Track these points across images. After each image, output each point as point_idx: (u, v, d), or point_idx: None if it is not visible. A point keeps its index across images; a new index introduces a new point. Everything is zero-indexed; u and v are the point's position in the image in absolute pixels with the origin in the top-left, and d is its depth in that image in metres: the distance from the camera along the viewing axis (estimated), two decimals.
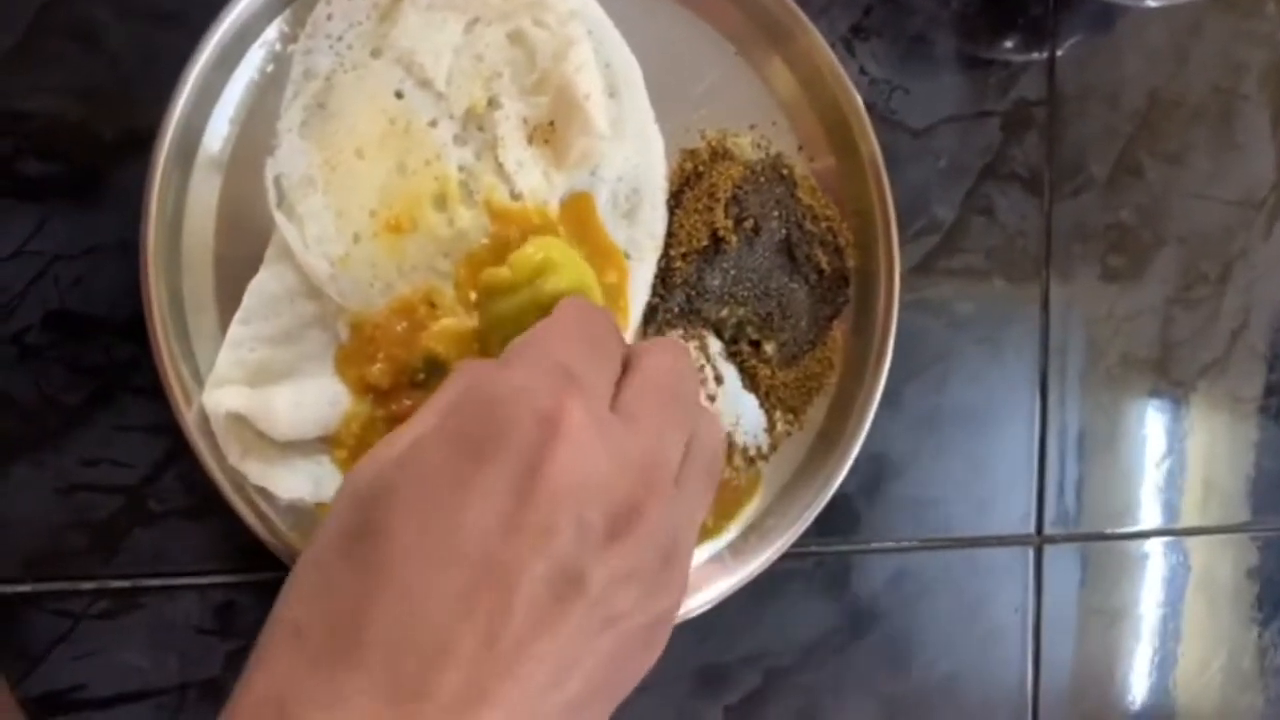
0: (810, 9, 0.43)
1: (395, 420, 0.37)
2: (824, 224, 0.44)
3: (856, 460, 0.43)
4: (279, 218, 0.36)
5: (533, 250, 0.36)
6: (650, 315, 0.42)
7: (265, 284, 0.36)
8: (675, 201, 0.42)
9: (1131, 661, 0.53)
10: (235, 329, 0.36)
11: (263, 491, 0.37)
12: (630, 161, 0.40)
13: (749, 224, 0.42)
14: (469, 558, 0.23)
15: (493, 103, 0.38)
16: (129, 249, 0.36)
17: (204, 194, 0.37)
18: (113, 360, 0.38)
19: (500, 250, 0.37)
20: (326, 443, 0.37)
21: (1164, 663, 0.54)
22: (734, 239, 0.42)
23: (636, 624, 0.26)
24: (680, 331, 0.43)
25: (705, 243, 0.42)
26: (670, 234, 0.42)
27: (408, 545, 0.24)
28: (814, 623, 0.47)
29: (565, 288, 0.35)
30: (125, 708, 0.38)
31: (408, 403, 0.37)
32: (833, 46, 0.43)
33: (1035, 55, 0.49)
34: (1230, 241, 0.53)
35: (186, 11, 0.37)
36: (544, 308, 0.35)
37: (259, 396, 0.36)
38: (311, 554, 0.26)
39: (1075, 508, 0.51)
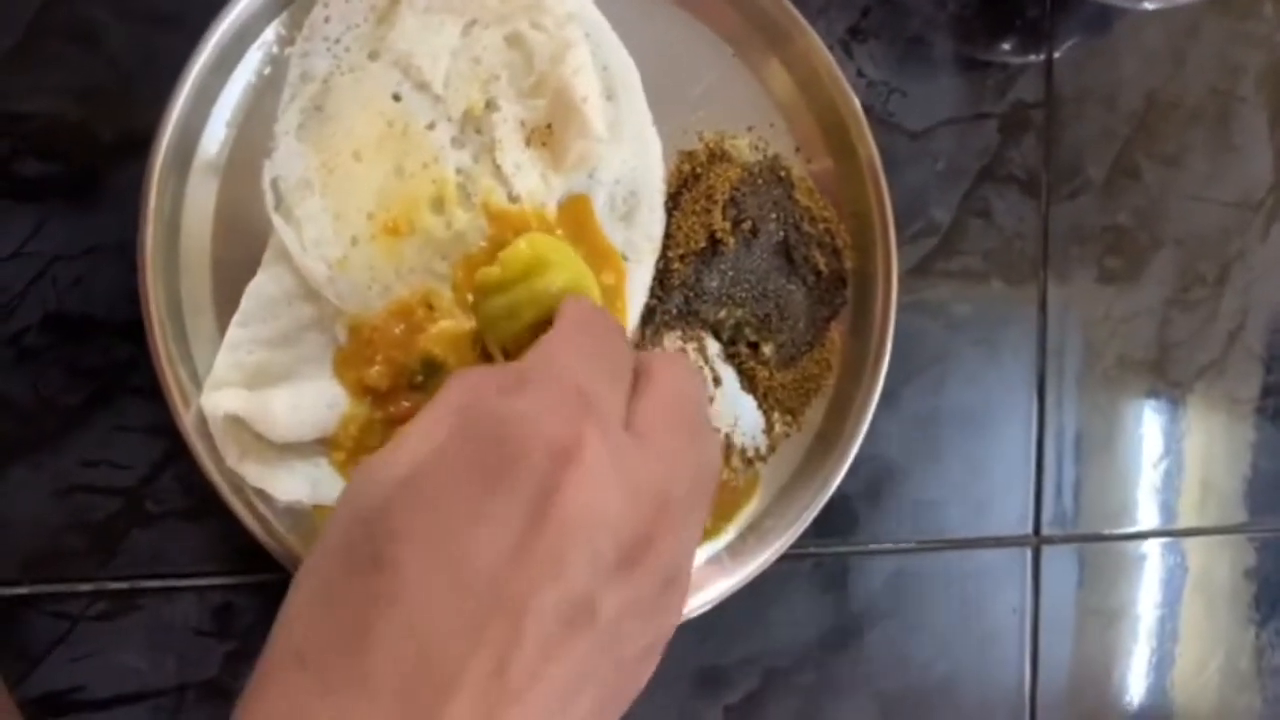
0: (808, 11, 0.43)
1: (393, 422, 0.37)
2: (822, 226, 0.44)
3: (854, 462, 0.43)
4: (276, 220, 0.36)
5: (524, 246, 0.36)
6: (648, 317, 0.42)
7: (263, 286, 0.36)
8: (673, 203, 0.42)
9: (1129, 662, 0.53)
10: (233, 331, 0.36)
11: (261, 493, 0.37)
12: (628, 164, 0.40)
13: (747, 226, 0.42)
14: (480, 588, 0.23)
15: (490, 105, 0.38)
16: (127, 251, 0.36)
17: (202, 196, 0.37)
18: (111, 362, 0.38)
19: (498, 252, 0.37)
20: (325, 445, 0.37)
21: (1162, 663, 0.54)
22: (732, 241, 0.42)
23: (639, 646, 0.26)
24: (678, 333, 0.43)
25: (703, 244, 0.42)
26: (668, 236, 0.42)
27: (417, 574, 0.23)
28: (812, 624, 0.47)
29: (559, 285, 0.35)
30: (123, 709, 0.38)
31: (406, 405, 0.37)
32: (830, 48, 0.43)
33: (1033, 57, 0.50)
34: (1227, 243, 0.53)
35: (184, 13, 0.37)
36: (538, 304, 0.35)
37: (257, 399, 0.36)
38: (313, 574, 0.25)
39: (1073, 509, 0.51)
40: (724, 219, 0.42)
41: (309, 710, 0.23)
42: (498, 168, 0.38)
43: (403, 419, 0.37)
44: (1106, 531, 0.52)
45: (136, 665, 0.38)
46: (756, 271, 0.43)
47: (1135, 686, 0.53)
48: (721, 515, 0.43)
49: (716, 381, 0.43)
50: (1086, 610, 0.52)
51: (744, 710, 0.46)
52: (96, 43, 0.38)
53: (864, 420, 0.43)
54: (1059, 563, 0.51)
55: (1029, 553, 0.50)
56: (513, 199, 0.38)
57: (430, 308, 0.37)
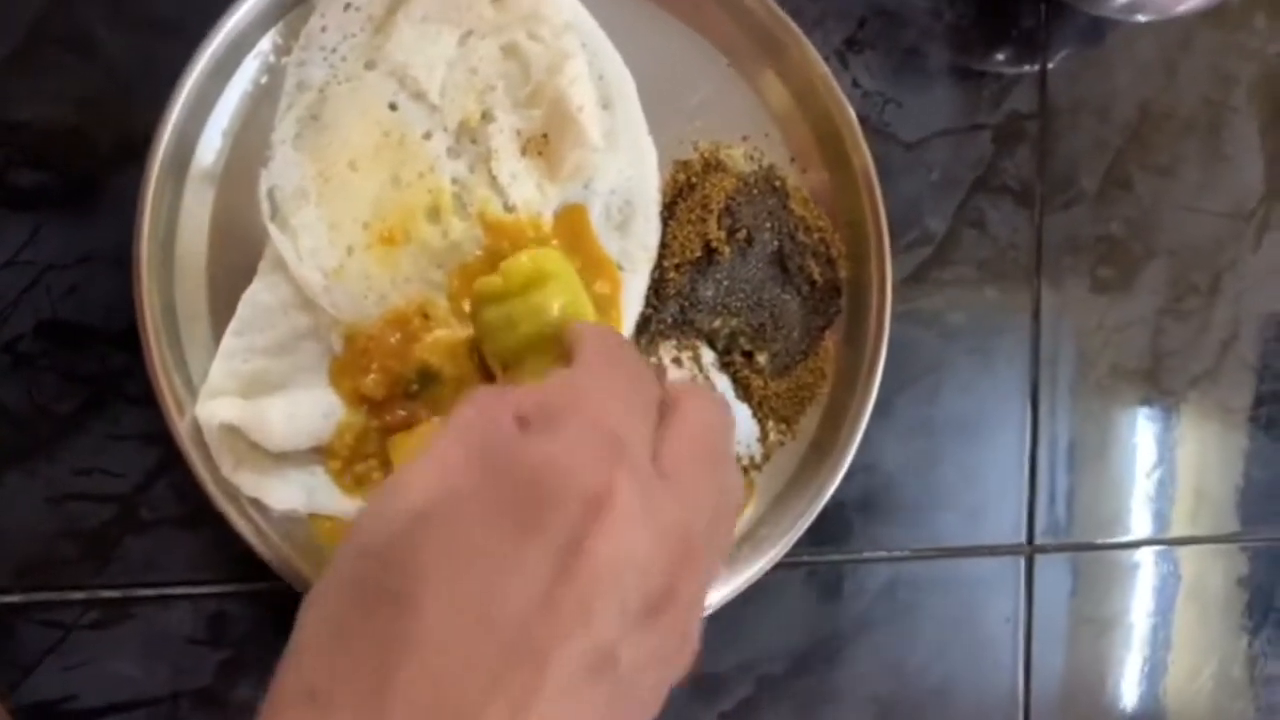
0: (804, 21, 0.43)
1: (389, 431, 0.37)
2: (816, 235, 0.44)
3: (849, 470, 0.43)
4: (272, 230, 0.36)
5: (526, 259, 0.36)
6: (643, 326, 0.42)
7: (259, 295, 0.36)
8: (668, 213, 0.42)
9: (1122, 670, 0.53)
10: (229, 340, 0.36)
11: (256, 502, 0.37)
12: (624, 174, 0.40)
13: (742, 235, 0.43)
14: (504, 635, 0.23)
15: (486, 115, 0.38)
16: (122, 259, 0.36)
17: (198, 205, 0.37)
18: (105, 370, 0.38)
19: (493, 262, 0.37)
20: (320, 454, 0.37)
21: (1154, 672, 0.54)
22: (727, 250, 0.42)
23: (657, 685, 0.26)
24: (673, 342, 0.43)
25: (698, 254, 0.42)
26: (663, 245, 0.42)
27: (439, 616, 0.23)
28: (807, 631, 0.47)
29: (560, 299, 0.35)
30: (117, 718, 0.38)
31: (401, 414, 0.37)
32: (826, 59, 0.43)
33: (1027, 68, 0.50)
34: (1220, 253, 0.54)
35: (181, 22, 0.37)
36: (537, 317, 0.35)
37: (253, 408, 0.36)
38: (323, 606, 0.24)
39: (1066, 517, 0.51)
40: (719, 228, 0.42)
41: None
42: (494, 177, 0.38)
43: (398, 427, 0.37)
44: (1099, 540, 0.52)
45: (130, 674, 0.38)
46: (751, 281, 0.43)
47: (1128, 695, 0.53)
48: None
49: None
50: (1079, 618, 0.52)
51: (738, 717, 0.46)
52: (93, 51, 0.38)
53: (858, 429, 0.43)
54: (1052, 571, 0.51)
55: (1022, 561, 0.50)
56: (509, 209, 0.38)
57: (426, 317, 0.37)
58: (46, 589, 0.38)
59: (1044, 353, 0.50)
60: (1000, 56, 0.50)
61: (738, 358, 0.43)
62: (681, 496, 0.26)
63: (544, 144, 0.38)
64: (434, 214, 0.37)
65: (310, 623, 0.24)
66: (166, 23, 0.38)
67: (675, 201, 0.42)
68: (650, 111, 0.41)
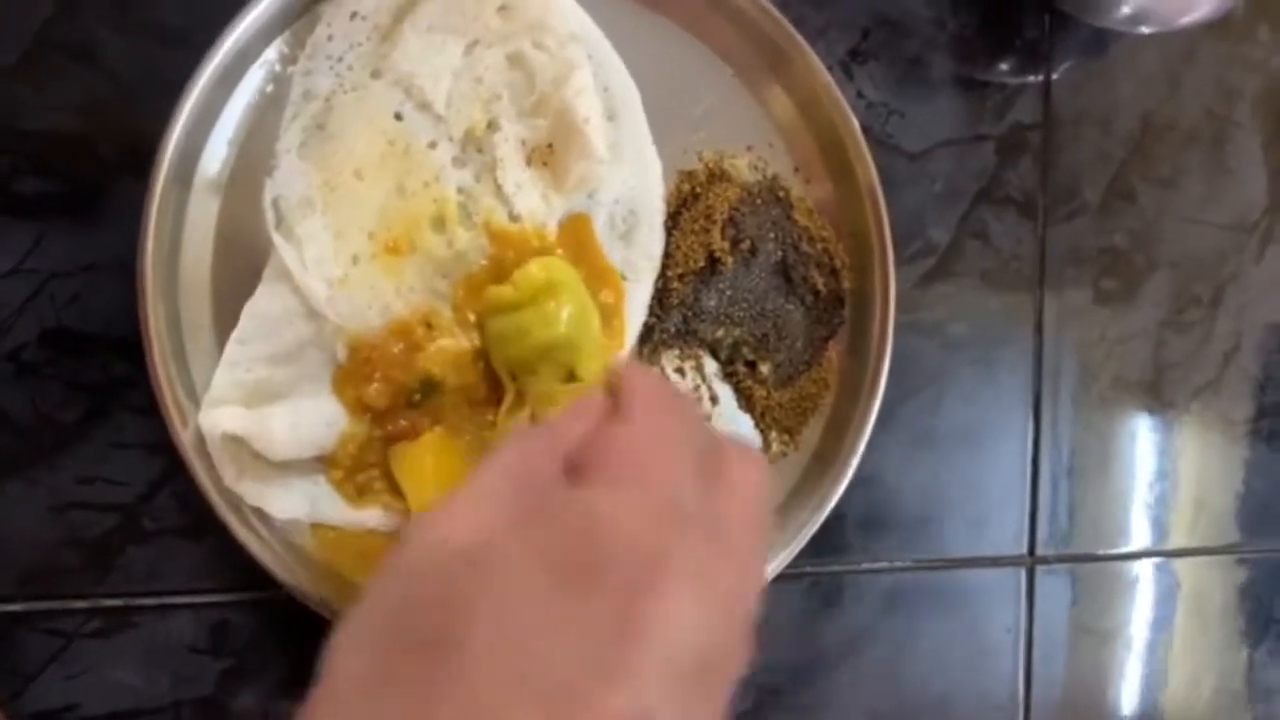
0: (808, 32, 0.43)
1: (392, 440, 0.37)
2: (820, 246, 0.44)
3: (851, 481, 0.43)
4: (277, 239, 0.36)
5: (536, 269, 0.36)
6: (647, 335, 0.42)
7: (263, 304, 0.36)
8: (672, 223, 0.42)
9: (1123, 682, 0.53)
10: (232, 349, 0.36)
11: (258, 511, 0.37)
12: (628, 184, 0.40)
13: (745, 245, 0.43)
14: (551, 690, 0.22)
15: (492, 125, 0.38)
16: (126, 267, 0.36)
17: (202, 214, 0.37)
18: (109, 378, 0.38)
19: (498, 272, 0.37)
20: (323, 463, 0.37)
21: (1155, 683, 0.54)
22: (730, 260, 0.42)
23: None
24: (676, 352, 0.43)
25: (702, 264, 0.42)
26: (667, 255, 0.42)
27: (486, 664, 0.22)
28: (808, 642, 0.47)
29: (570, 309, 0.35)
30: None
31: (404, 423, 0.37)
32: (830, 69, 0.43)
33: (1031, 78, 0.50)
34: (1222, 265, 0.54)
35: (187, 30, 0.37)
36: (548, 327, 0.35)
37: (256, 417, 0.36)
38: (360, 637, 0.24)
39: (1067, 528, 0.51)
40: (723, 239, 0.42)
41: None
42: (499, 187, 0.38)
43: (401, 437, 0.37)
44: (1100, 551, 0.52)
45: (131, 683, 0.38)
46: (755, 291, 0.43)
47: (1129, 706, 0.53)
48: None
49: (714, 400, 0.43)
50: (1080, 629, 0.52)
51: None
52: (98, 59, 0.38)
53: (861, 440, 0.43)
54: (1053, 582, 0.51)
55: (1023, 572, 0.50)
56: (513, 218, 0.38)
57: (430, 327, 0.37)
58: (49, 598, 0.37)
59: (1046, 364, 0.50)
60: (1004, 67, 0.50)
61: (741, 368, 0.43)
62: (734, 561, 0.26)
63: (549, 154, 0.38)
64: (439, 223, 0.37)
65: (347, 659, 0.24)
66: (172, 31, 0.38)
67: (679, 211, 0.42)
68: (655, 121, 0.41)
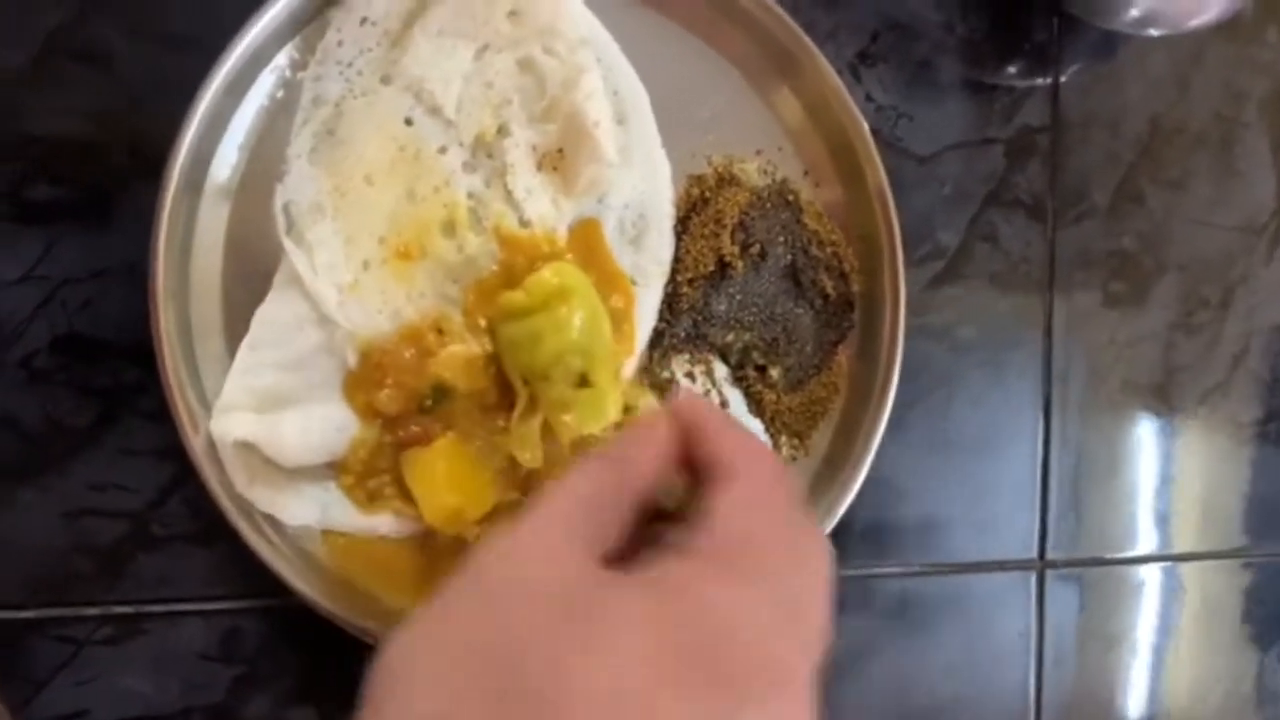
0: (817, 35, 0.43)
1: (403, 446, 0.37)
2: (829, 249, 0.44)
3: (861, 485, 0.43)
4: (288, 245, 0.36)
5: (549, 275, 0.36)
6: (656, 340, 0.42)
7: (273, 310, 0.36)
8: (682, 227, 0.42)
9: (1132, 686, 0.53)
10: (243, 355, 0.36)
11: (269, 517, 0.37)
12: (638, 188, 0.40)
13: (755, 249, 0.43)
14: None
15: (502, 130, 0.38)
16: (137, 273, 0.36)
17: (213, 220, 0.37)
18: (120, 384, 0.38)
19: (509, 277, 0.37)
20: (334, 469, 0.37)
21: (1164, 687, 0.54)
22: (740, 264, 0.42)
23: None
24: (686, 356, 0.43)
25: (711, 268, 0.42)
26: (677, 260, 0.42)
27: None
28: None
29: (583, 315, 0.35)
30: None
31: (415, 429, 0.37)
32: (839, 73, 0.43)
33: (1039, 82, 0.50)
34: (1231, 267, 0.54)
35: (197, 36, 0.37)
36: (561, 332, 0.35)
37: (267, 423, 0.35)
38: (427, 670, 0.22)
39: (1077, 532, 0.51)
40: (732, 243, 0.42)
41: None
42: (509, 192, 0.38)
43: (412, 442, 0.37)
44: (1110, 555, 0.52)
45: (141, 690, 0.38)
46: (764, 295, 0.43)
47: (1138, 710, 0.53)
48: None
49: (724, 405, 0.43)
50: (1090, 633, 0.52)
51: None
52: (109, 65, 0.38)
53: (872, 444, 0.43)
54: (1063, 586, 0.51)
55: (1034, 576, 0.50)
56: (524, 223, 0.38)
57: (441, 332, 0.37)
58: (59, 604, 0.37)
59: (1056, 367, 0.50)
60: (1012, 70, 0.50)
61: (751, 372, 0.43)
62: (818, 658, 0.25)
63: (559, 159, 0.38)
64: (449, 229, 0.37)
65: (411, 694, 0.22)
66: (183, 37, 0.38)
67: (689, 216, 0.42)
68: (664, 126, 0.41)
